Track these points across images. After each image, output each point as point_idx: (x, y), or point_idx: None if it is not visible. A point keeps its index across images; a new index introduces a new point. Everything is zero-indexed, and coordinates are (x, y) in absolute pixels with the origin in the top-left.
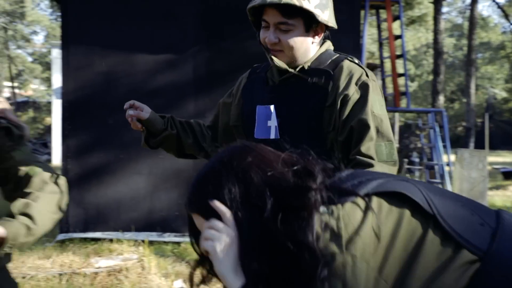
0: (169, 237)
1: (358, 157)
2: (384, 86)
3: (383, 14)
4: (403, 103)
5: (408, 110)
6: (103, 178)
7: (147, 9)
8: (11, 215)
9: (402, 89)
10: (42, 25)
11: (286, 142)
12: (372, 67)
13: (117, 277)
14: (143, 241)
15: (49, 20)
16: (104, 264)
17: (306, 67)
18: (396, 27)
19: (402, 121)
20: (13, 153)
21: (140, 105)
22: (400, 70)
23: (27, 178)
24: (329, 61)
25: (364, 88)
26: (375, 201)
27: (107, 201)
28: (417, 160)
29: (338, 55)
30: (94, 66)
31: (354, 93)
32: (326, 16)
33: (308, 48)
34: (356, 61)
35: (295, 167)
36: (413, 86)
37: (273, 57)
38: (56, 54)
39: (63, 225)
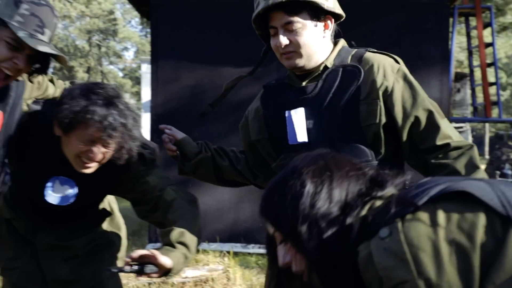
0: (253, 248)
1: (451, 141)
2: (474, 96)
3: (473, 21)
4: (494, 113)
5: (499, 120)
6: (189, 189)
7: (233, 23)
8: (169, 244)
9: (494, 98)
10: (133, 41)
11: (321, 144)
12: (460, 76)
13: (203, 287)
14: (228, 252)
15: (139, 36)
16: (191, 274)
17: (329, 65)
18: (486, 34)
19: (493, 132)
20: (148, 178)
21: (171, 128)
22: (491, 79)
23: (165, 202)
24: (350, 56)
25: (403, 75)
26: (441, 210)
27: None
28: (509, 172)
29: (355, 49)
30: (181, 80)
31: (395, 83)
32: (331, 4)
33: (321, 44)
34: (376, 50)
35: (367, 178)
36: (505, 95)
37: (286, 61)
38: (145, 69)
39: (151, 235)
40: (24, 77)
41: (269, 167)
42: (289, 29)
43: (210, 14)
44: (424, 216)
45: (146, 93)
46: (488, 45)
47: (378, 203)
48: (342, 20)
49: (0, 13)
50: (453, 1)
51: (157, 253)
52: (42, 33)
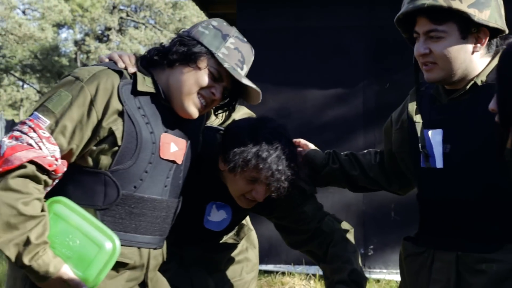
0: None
1: None
2: None
3: None
4: None
5: None
6: None
7: (317, 44)
8: (344, 281)
9: None
10: None
11: (454, 172)
12: None
13: None
14: (314, 274)
15: None
16: None
17: (479, 83)
18: None
19: None
20: (305, 208)
21: (302, 141)
22: None
23: (324, 233)
24: None
25: None
26: None
27: (278, 234)
28: None
29: None
30: (267, 103)
31: None
32: (486, 16)
33: (469, 59)
34: None
35: None
36: None
37: (425, 72)
38: None
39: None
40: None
41: (406, 177)
42: (431, 37)
43: (295, 37)
44: None
45: None
46: None
47: None
48: (504, 34)
49: (208, 43)
50: None
51: None
52: (242, 69)
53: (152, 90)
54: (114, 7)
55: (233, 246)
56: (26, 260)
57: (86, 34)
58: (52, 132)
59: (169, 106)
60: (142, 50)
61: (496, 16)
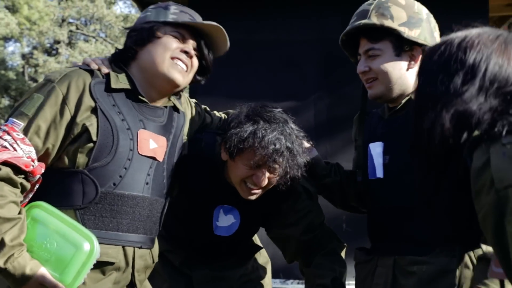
0: (292, 284)
1: None
2: None
3: None
4: None
5: None
6: None
7: (270, 59)
8: (326, 286)
9: None
10: None
11: (392, 181)
12: None
13: None
14: None
15: None
16: None
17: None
18: None
19: None
20: (312, 215)
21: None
22: None
23: (323, 245)
24: None
25: None
26: None
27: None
28: None
29: None
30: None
31: None
32: (416, 34)
33: (405, 76)
34: None
35: None
36: None
37: (368, 90)
38: None
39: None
40: (185, 105)
41: None
42: (369, 55)
43: (247, 51)
44: None
45: None
46: None
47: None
48: None
49: (155, 18)
50: None
51: None
52: (194, 19)
53: (127, 86)
54: (63, 20)
55: (244, 264)
56: (1, 262)
57: (34, 48)
58: (26, 133)
59: (146, 102)
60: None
61: (426, 35)
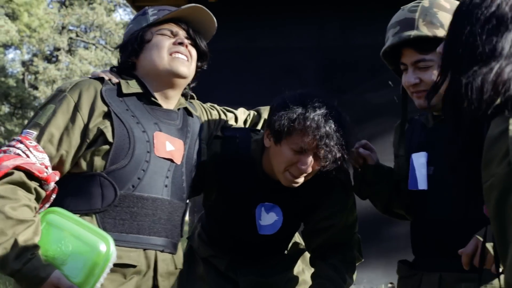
0: None
1: None
2: None
3: None
4: None
5: None
6: None
7: (269, 65)
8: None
9: None
10: None
11: (437, 193)
12: None
13: None
14: None
15: None
16: None
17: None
18: None
19: None
20: (344, 213)
21: (371, 147)
22: None
23: (345, 256)
24: None
25: None
26: None
27: None
28: None
29: None
30: None
31: None
32: None
33: None
34: None
35: None
36: None
37: (416, 100)
38: None
39: None
40: (199, 111)
41: None
42: (419, 67)
43: (247, 58)
44: None
45: None
46: None
47: None
48: None
49: (138, 25)
50: None
51: None
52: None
53: (139, 90)
54: (63, 28)
55: (290, 268)
56: (15, 264)
57: (34, 55)
58: (39, 141)
59: (159, 105)
60: (93, 71)
61: None
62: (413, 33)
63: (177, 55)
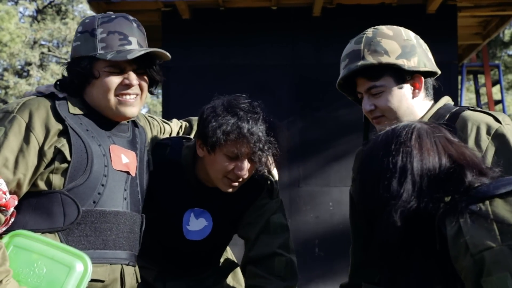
0: None
1: None
2: None
3: (482, 79)
4: None
5: None
6: None
7: (242, 83)
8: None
9: None
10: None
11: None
12: None
13: None
14: None
15: (150, 97)
16: None
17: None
18: (495, 91)
19: None
20: (273, 216)
21: None
22: None
23: (273, 268)
24: (448, 115)
25: (500, 136)
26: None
27: None
28: None
29: (458, 107)
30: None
31: (489, 146)
32: (415, 62)
33: (412, 104)
34: (480, 109)
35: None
36: None
37: (376, 125)
38: None
39: None
40: (143, 121)
41: None
42: (373, 94)
43: (220, 75)
44: (507, 201)
45: None
46: (497, 102)
47: (475, 183)
48: (439, 75)
49: (86, 51)
50: (461, 59)
51: None
52: (129, 43)
53: (83, 111)
54: (35, 42)
55: (218, 282)
56: None
57: (5, 69)
58: None
59: (108, 120)
60: (37, 86)
61: (424, 61)
62: (359, 63)
63: (125, 98)
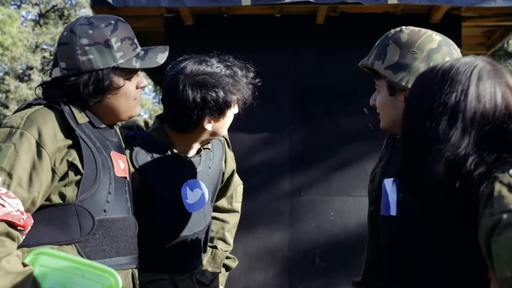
0: None
1: None
2: None
3: None
4: None
5: None
6: None
7: None
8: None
9: None
10: (146, 108)
11: (403, 221)
12: None
13: None
14: None
15: (152, 103)
16: None
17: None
18: None
19: None
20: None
21: None
22: None
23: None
24: None
25: None
26: None
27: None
28: None
29: None
30: None
31: None
32: (398, 78)
33: (400, 116)
34: None
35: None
36: None
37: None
38: None
39: None
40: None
41: None
42: (376, 90)
43: None
44: None
45: None
46: None
47: None
48: None
49: (104, 63)
50: None
51: None
52: (137, 45)
53: (87, 119)
54: (36, 46)
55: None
56: None
57: (6, 73)
58: (8, 186)
59: (104, 126)
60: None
61: (410, 79)
62: (362, 61)
63: (139, 99)
